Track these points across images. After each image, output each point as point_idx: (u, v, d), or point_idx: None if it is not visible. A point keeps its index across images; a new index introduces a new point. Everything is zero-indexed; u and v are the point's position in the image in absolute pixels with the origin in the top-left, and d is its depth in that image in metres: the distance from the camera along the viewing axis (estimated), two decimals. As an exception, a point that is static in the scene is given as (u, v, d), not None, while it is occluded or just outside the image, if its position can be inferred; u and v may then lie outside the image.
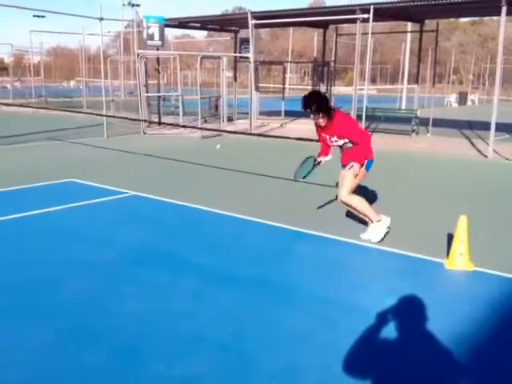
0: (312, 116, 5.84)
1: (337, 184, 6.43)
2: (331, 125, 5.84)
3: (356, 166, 5.80)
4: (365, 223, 6.13)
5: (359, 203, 5.98)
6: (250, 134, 14.01)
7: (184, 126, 14.79)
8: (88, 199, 7.55)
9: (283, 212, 7.13)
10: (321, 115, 5.77)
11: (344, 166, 6.02)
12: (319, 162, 6.15)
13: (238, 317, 4.04)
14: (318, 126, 6.04)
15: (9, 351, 3.49)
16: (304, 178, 6.23)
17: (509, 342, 3.78)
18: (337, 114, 5.82)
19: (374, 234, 5.92)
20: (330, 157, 6.18)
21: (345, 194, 5.92)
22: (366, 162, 5.91)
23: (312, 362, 3.44)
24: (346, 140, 5.88)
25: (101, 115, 14.70)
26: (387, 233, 5.96)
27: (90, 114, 15.37)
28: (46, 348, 3.54)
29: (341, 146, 6.01)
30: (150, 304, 4.23)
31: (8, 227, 6.26)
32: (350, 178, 5.88)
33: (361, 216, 6.10)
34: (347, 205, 6.11)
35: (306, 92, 6.25)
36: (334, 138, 5.94)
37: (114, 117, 15.66)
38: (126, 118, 14.29)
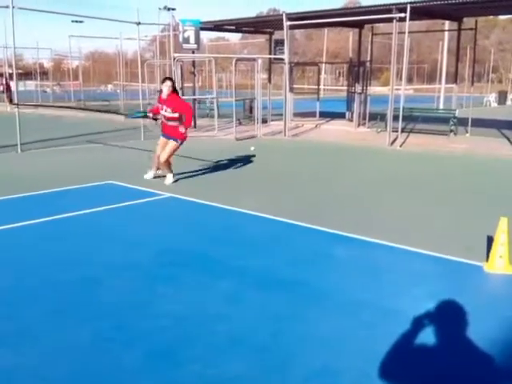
0: (166, 84, 8.86)
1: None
2: (171, 99, 8.85)
3: (176, 143, 8.93)
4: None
5: (168, 167, 9.04)
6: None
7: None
8: (126, 201, 7.68)
9: (319, 214, 7.10)
10: (169, 85, 8.86)
11: (166, 134, 9.04)
12: (154, 118, 9.40)
13: (274, 319, 4.04)
14: (160, 96, 9.09)
15: (51, 350, 3.58)
16: (132, 117, 9.89)
17: (552, 348, 3.68)
18: (177, 95, 9.04)
19: (168, 180, 9.01)
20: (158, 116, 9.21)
21: (165, 158, 8.90)
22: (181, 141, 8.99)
23: (348, 365, 3.42)
24: (176, 115, 8.83)
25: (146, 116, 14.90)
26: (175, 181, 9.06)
27: (119, 114, 15.64)
28: (87, 348, 3.62)
29: (168, 119, 8.91)
30: (187, 305, 4.27)
31: (49, 228, 6.42)
32: (171, 148, 8.92)
33: (165, 170, 9.11)
34: (162, 165, 9.05)
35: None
36: (169, 110, 8.84)
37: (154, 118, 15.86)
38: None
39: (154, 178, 9.26)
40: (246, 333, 3.82)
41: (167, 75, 29.03)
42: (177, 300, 4.38)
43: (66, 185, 8.69)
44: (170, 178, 9.06)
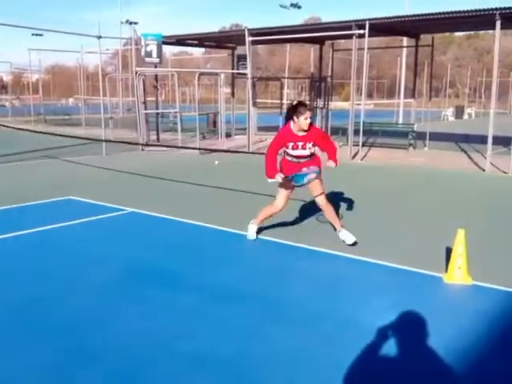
0: (308, 117, 5.98)
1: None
2: (311, 131, 6.09)
3: (319, 173, 6.23)
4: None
5: (335, 214, 6.42)
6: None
7: (180, 147, 14.80)
8: (87, 216, 7.56)
9: (281, 227, 7.13)
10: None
11: (305, 174, 6.15)
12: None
13: (237, 335, 4.03)
14: (293, 134, 6.09)
15: (7, 371, 3.48)
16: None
17: (507, 356, 3.78)
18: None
19: (348, 237, 6.27)
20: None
21: (325, 199, 6.30)
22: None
23: (312, 378, 3.43)
24: (314, 149, 6.16)
25: (100, 140, 14.76)
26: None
27: (87, 139, 15.46)
28: (44, 368, 3.52)
29: (308, 155, 6.16)
30: (149, 323, 4.21)
31: (7, 245, 6.26)
32: (321, 183, 6.31)
33: (331, 220, 6.35)
34: (328, 208, 6.31)
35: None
36: (310, 145, 6.11)
37: (111, 141, 15.74)
38: (123, 142, 14.34)
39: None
40: (208, 350, 3.78)
41: (129, 89, 28.71)
42: (138, 317, 4.31)
43: (24, 201, 8.49)
44: (347, 234, 6.28)
